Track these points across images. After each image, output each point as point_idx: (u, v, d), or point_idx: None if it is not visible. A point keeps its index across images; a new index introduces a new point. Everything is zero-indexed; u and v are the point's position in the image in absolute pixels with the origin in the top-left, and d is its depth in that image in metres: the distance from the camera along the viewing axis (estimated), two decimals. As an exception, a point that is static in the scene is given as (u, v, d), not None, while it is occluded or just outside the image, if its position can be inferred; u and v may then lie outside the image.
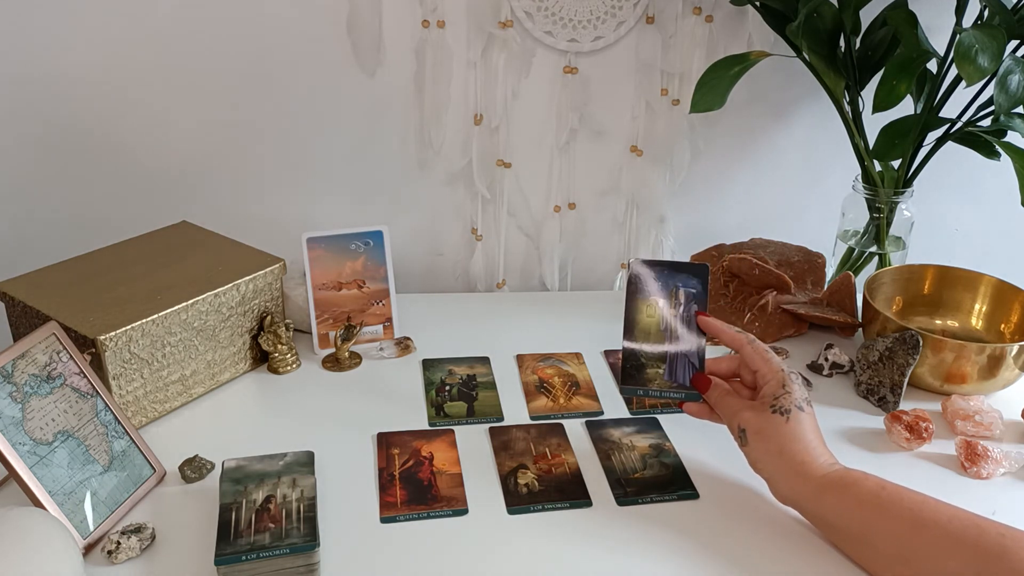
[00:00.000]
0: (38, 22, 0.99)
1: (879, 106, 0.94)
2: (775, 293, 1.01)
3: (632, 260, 0.80)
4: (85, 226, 1.09)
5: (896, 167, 1.03)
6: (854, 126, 1.01)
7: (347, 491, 0.75)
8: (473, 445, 0.82)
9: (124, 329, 0.77)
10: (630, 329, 0.79)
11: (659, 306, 0.79)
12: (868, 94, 0.99)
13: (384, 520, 0.72)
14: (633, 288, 0.79)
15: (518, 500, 0.74)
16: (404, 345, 0.96)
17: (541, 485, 0.76)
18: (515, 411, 0.87)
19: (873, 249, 1.07)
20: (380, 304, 0.97)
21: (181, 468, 0.76)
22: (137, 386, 0.80)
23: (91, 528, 0.68)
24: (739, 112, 1.13)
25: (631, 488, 0.76)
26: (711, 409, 0.78)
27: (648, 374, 0.78)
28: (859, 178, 1.05)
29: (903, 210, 1.05)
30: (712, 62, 1.00)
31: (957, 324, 1.02)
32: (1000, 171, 1.02)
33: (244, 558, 0.62)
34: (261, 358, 0.93)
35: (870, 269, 1.07)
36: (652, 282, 0.79)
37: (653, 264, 0.79)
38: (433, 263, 1.19)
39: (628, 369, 0.79)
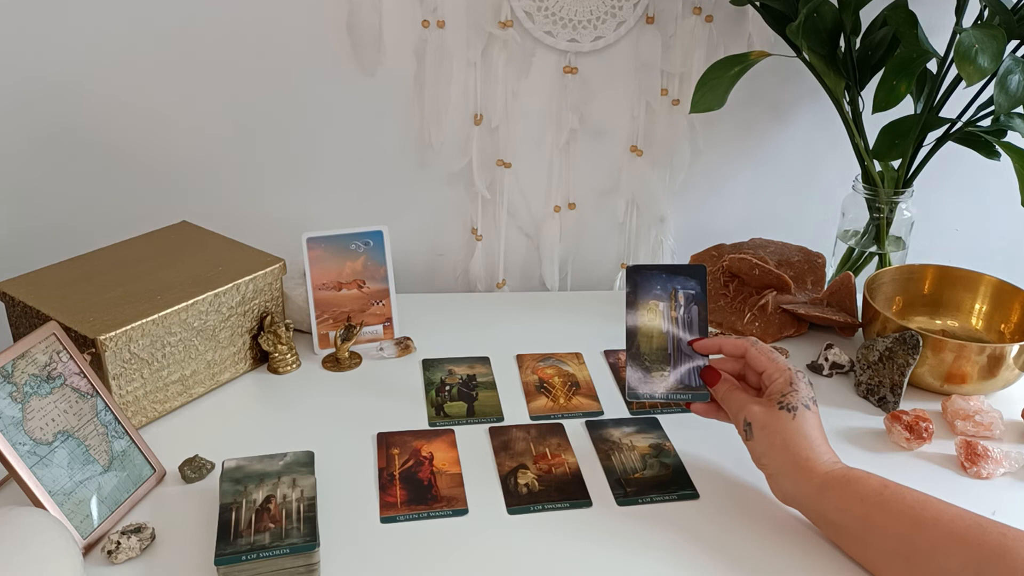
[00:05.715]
0: (37, 22, 0.99)
1: (879, 106, 0.94)
2: (775, 293, 1.01)
3: (628, 266, 0.80)
4: (85, 226, 1.09)
5: (896, 167, 1.03)
6: (854, 126, 1.01)
7: (347, 491, 0.75)
8: (473, 445, 0.82)
9: (124, 329, 0.77)
10: (632, 335, 0.79)
11: (659, 309, 0.79)
12: (868, 94, 0.99)
13: (384, 520, 0.72)
14: (632, 294, 0.79)
15: (518, 500, 0.74)
16: (404, 345, 0.96)
17: (541, 485, 0.76)
18: (515, 411, 0.87)
19: (873, 249, 1.07)
20: (380, 304, 0.97)
21: (181, 468, 0.76)
22: (137, 386, 0.80)
23: (91, 528, 0.68)
24: (739, 112, 1.13)
25: (631, 488, 0.76)
26: (718, 407, 0.78)
27: (653, 378, 0.78)
28: (859, 178, 1.05)
29: (903, 210, 1.05)
30: (712, 62, 1.00)
31: (957, 324, 1.02)
32: (1000, 171, 1.02)
33: (244, 558, 0.62)
34: (261, 358, 0.93)
35: (870, 269, 1.07)
36: (651, 286, 0.79)
37: (650, 268, 0.80)
38: (433, 263, 1.19)
39: (633, 375, 0.79)
